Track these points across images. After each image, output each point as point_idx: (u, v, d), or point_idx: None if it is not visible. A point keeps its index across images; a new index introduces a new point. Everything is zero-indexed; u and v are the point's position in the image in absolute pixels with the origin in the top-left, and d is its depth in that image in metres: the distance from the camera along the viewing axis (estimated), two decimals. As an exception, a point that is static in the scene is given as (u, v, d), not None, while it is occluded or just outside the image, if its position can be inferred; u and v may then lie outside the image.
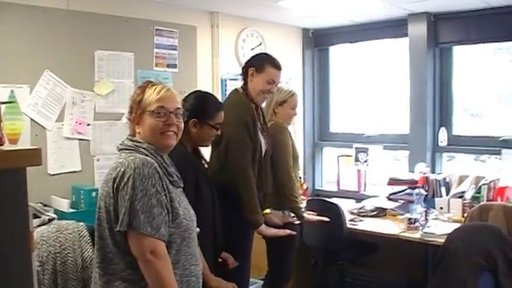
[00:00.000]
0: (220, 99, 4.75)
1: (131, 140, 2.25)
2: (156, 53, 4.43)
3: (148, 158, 2.16)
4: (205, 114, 2.89)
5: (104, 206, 2.15)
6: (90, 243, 3.14)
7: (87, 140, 4.02)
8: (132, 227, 2.05)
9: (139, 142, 2.23)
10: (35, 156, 1.16)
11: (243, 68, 3.55)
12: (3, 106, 1.93)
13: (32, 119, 3.67)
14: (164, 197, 2.15)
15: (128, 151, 2.21)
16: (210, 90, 4.82)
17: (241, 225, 3.28)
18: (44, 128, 3.76)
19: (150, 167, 2.12)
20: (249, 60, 3.57)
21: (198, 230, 2.39)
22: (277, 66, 3.51)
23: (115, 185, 2.11)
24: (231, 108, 3.24)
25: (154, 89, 2.28)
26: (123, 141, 2.29)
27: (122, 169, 2.11)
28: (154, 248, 2.08)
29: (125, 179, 2.09)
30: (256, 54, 3.67)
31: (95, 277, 2.24)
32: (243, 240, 3.38)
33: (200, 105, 2.92)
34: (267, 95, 3.54)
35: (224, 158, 3.26)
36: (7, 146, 1.19)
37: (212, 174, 3.08)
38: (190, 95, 3.04)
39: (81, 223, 3.28)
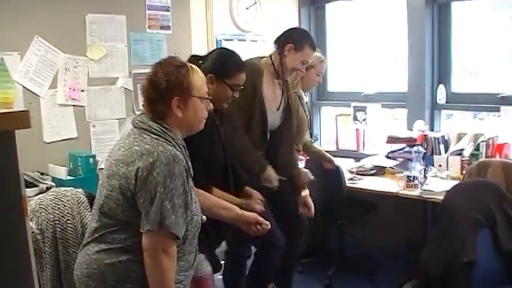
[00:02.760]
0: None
1: (157, 123, 2.16)
2: (149, 14, 4.34)
3: (178, 153, 2.11)
4: (224, 72, 2.80)
5: (118, 187, 2.09)
6: (89, 209, 3.12)
7: (81, 106, 3.98)
8: (162, 226, 2.03)
9: (167, 129, 2.16)
10: (23, 119, 1.13)
11: (279, 38, 3.52)
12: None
13: (24, 87, 3.62)
14: (189, 198, 2.14)
15: (154, 136, 2.13)
16: (204, 51, 4.78)
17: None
18: (37, 95, 3.72)
19: (180, 164, 2.08)
20: (287, 34, 3.53)
21: (204, 218, 2.39)
22: (314, 48, 3.56)
23: (140, 175, 2.04)
24: None
25: (199, 73, 2.25)
26: (143, 119, 2.20)
27: (151, 160, 2.05)
28: (168, 247, 2.07)
29: (155, 174, 2.03)
30: (296, 29, 3.70)
31: (88, 249, 2.20)
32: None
33: (221, 61, 2.84)
34: (297, 72, 3.62)
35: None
36: (-4, 109, 1.16)
37: None
38: (215, 50, 3.00)
39: (79, 189, 3.27)
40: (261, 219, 2.73)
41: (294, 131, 3.73)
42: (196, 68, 2.28)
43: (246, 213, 2.74)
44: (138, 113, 2.37)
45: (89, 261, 2.16)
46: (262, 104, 3.42)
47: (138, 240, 2.09)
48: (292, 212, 3.74)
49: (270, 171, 3.47)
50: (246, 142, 3.38)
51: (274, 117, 3.55)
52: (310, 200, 3.77)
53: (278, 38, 3.55)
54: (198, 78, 2.24)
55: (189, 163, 2.21)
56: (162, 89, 2.16)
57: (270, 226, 2.81)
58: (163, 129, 2.15)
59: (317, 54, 4.04)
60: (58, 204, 3.07)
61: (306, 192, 3.78)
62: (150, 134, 2.14)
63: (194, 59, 2.35)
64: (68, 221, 3.03)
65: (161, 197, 2.02)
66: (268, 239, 3.06)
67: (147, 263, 2.07)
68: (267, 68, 3.50)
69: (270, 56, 3.55)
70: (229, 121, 3.01)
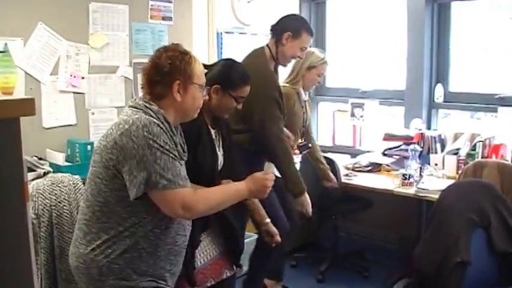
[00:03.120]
0: (215, 52, 4.79)
1: (144, 101, 2.20)
2: (151, 5, 4.35)
3: (155, 120, 2.12)
4: (229, 84, 2.83)
5: (100, 160, 2.12)
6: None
7: (81, 93, 3.99)
8: (164, 187, 2.05)
9: (151, 104, 2.18)
10: (28, 106, 1.16)
11: (275, 27, 3.54)
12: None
13: (26, 72, 3.63)
14: (177, 153, 2.16)
15: (135, 109, 2.17)
16: (205, 44, 4.82)
17: None
18: (39, 81, 3.73)
19: (157, 126, 2.09)
20: (284, 22, 3.55)
21: None
22: (312, 32, 3.60)
23: (119, 143, 2.06)
24: (258, 80, 3.19)
25: (200, 63, 2.30)
26: (135, 100, 2.25)
27: (126, 126, 2.07)
28: (183, 199, 2.09)
29: (134, 138, 2.04)
30: (291, 17, 3.67)
31: (77, 234, 2.24)
32: None
33: (226, 73, 2.86)
34: (296, 57, 3.62)
35: (260, 134, 3.36)
36: (0, 97, 1.18)
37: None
38: (220, 61, 3.03)
39: (76, 176, 3.29)
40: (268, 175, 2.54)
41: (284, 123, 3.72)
42: (197, 57, 2.33)
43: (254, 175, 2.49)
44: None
45: (77, 255, 2.20)
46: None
47: (121, 229, 2.12)
48: (286, 210, 3.78)
49: (307, 197, 3.55)
50: (291, 154, 3.51)
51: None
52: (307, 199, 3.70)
53: (274, 27, 3.57)
54: (199, 67, 2.30)
55: (175, 138, 2.21)
56: (165, 71, 2.20)
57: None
58: (146, 104, 2.18)
59: (320, 55, 4.07)
60: (55, 190, 3.10)
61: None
62: (132, 108, 2.18)
63: None
64: (65, 207, 3.07)
65: (151, 158, 2.03)
66: (272, 221, 3.10)
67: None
68: (270, 60, 3.53)
69: (267, 45, 3.57)
70: (228, 128, 3.03)
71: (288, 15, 3.64)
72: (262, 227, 3.03)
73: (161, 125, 2.12)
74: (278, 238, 3.03)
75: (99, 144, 2.16)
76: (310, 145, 4.09)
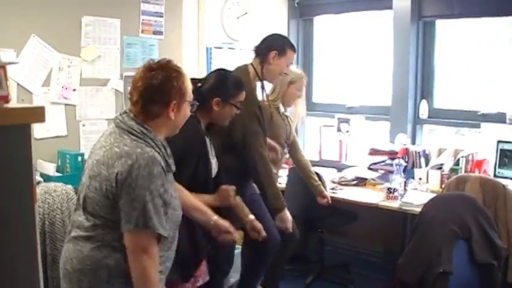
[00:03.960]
0: (205, 67, 4.86)
1: (138, 124, 2.20)
2: (143, 19, 4.43)
3: (157, 155, 2.15)
4: (228, 94, 3.01)
5: (100, 189, 2.12)
6: (77, 206, 3.19)
7: (73, 105, 4.04)
8: (147, 228, 2.08)
9: (147, 130, 2.20)
10: (39, 114, 1.22)
11: (260, 47, 3.65)
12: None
13: (18, 83, 3.69)
14: (169, 195, 2.19)
15: (134, 137, 2.17)
16: (195, 58, 4.89)
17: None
18: (31, 92, 3.78)
19: (158, 165, 2.12)
20: (268, 42, 3.65)
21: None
22: (295, 49, 3.71)
23: (119, 178, 2.08)
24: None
25: (188, 78, 2.33)
26: (124, 119, 2.23)
27: (129, 162, 2.08)
28: (149, 247, 2.12)
29: (133, 176, 2.07)
30: (274, 36, 3.74)
31: (76, 242, 2.23)
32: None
33: (222, 84, 3.04)
34: (283, 74, 3.73)
35: (242, 148, 3.44)
36: (13, 104, 1.25)
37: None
38: (211, 73, 3.19)
39: (69, 185, 3.33)
40: (231, 229, 2.78)
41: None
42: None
43: (220, 221, 2.77)
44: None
45: (81, 257, 2.18)
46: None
47: (117, 237, 2.15)
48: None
49: (287, 213, 3.62)
50: (271, 169, 3.55)
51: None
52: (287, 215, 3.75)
53: (259, 47, 3.67)
54: (189, 83, 2.34)
55: (170, 160, 2.26)
56: (163, 92, 2.22)
57: (236, 238, 2.98)
58: (144, 130, 2.19)
59: (297, 70, 4.18)
60: (48, 199, 3.14)
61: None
62: (130, 135, 2.18)
63: (193, 81, 2.47)
64: (57, 215, 3.10)
65: (143, 200, 2.07)
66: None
67: (130, 262, 2.12)
68: (254, 78, 3.62)
69: (252, 64, 3.65)
70: (219, 136, 3.13)
71: (271, 35, 3.73)
72: (247, 223, 3.10)
73: (161, 162, 2.15)
74: (264, 233, 3.10)
75: (98, 171, 2.14)
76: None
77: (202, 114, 2.90)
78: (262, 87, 3.76)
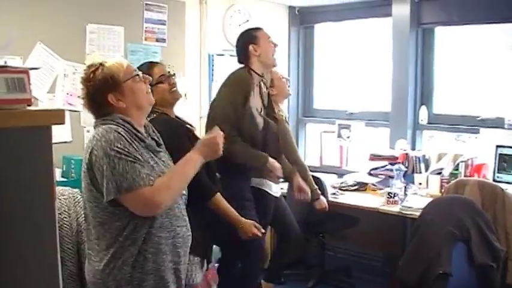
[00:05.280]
0: (207, 73, 4.94)
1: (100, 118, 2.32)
2: (146, 27, 4.50)
3: (112, 126, 2.19)
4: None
5: (84, 186, 2.24)
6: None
7: (77, 111, 4.08)
8: (125, 190, 2.11)
9: (105, 115, 2.27)
10: (59, 116, 1.29)
11: (238, 53, 3.74)
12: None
13: (24, 90, 3.74)
14: (140, 156, 2.20)
15: (96, 127, 2.28)
16: (197, 65, 4.96)
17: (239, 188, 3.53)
18: (36, 98, 3.82)
19: (114, 131, 2.16)
20: (240, 44, 3.74)
21: (184, 192, 2.44)
22: (261, 28, 3.81)
23: (88, 165, 2.16)
24: (230, 79, 3.63)
25: (113, 62, 2.33)
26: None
27: (90, 144, 2.17)
28: (143, 197, 2.15)
29: (95, 153, 2.13)
30: (239, 37, 3.81)
31: (89, 254, 2.33)
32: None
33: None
34: (275, 51, 3.78)
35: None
36: (35, 107, 1.31)
37: None
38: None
39: (76, 189, 3.37)
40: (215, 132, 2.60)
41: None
42: (106, 60, 2.35)
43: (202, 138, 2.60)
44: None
45: (94, 272, 2.28)
46: (251, 113, 3.60)
47: (122, 239, 2.21)
48: (287, 220, 4.13)
49: (274, 161, 3.67)
50: (243, 143, 3.52)
51: (258, 121, 3.69)
52: (304, 184, 4.03)
53: (238, 55, 3.75)
54: (115, 64, 2.30)
55: (141, 134, 2.28)
56: (92, 94, 2.27)
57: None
58: (102, 118, 2.26)
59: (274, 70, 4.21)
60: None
61: (297, 178, 4.03)
62: (95, 128, 2.27)
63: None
64: (65, 219, 3.14)
65: (109, 167, 2.10)
66: (252, 249, 3.36)
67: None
68: (254, 76, 3.67)
69: (244, 68, 3.70)
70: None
71: (237, 40, 3.81)
72: (238, 225, 3.05)
73: (119, 129, 2.18)
74: (256, 231, 3.09)
75: (82, 169, 2.26)
76: None
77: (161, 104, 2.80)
78: (265, 86, 3.85)
